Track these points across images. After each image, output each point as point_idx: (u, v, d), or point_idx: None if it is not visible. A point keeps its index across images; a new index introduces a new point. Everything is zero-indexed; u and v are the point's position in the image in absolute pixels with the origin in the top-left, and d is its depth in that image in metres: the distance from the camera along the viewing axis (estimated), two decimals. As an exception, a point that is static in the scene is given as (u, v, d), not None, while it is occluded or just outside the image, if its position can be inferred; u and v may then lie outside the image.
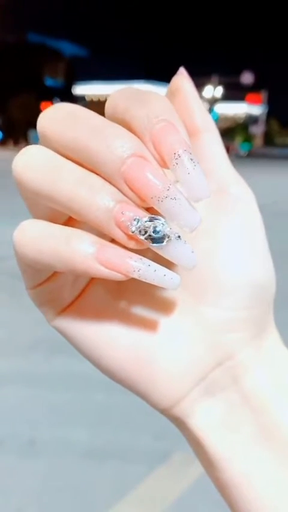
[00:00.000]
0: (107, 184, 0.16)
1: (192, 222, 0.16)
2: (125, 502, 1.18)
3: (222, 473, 0.18)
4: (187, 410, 0.19)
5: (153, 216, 0.15)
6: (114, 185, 0.16)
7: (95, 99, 53.53)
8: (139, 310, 0.19)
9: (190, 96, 0.19)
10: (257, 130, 54.90)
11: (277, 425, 0.18)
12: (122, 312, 0.19)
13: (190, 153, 0.15)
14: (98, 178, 0.16)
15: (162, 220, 0.15)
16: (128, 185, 0.15)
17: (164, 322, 0.19)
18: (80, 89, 55.31)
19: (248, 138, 42.22)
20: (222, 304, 0.18)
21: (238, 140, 38.21)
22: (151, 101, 0.16)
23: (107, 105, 0.18)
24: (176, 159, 0.15)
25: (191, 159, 0.15)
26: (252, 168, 15.14)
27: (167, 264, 0.16)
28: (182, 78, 0.20)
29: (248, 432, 0.18)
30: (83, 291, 0.20)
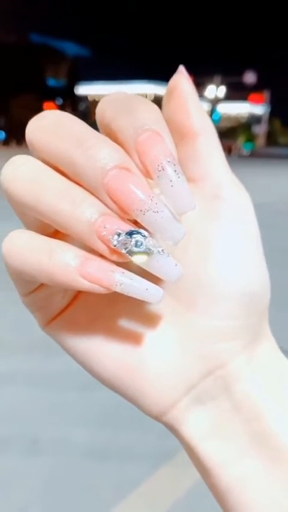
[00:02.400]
0: (90, 196, 0.15)
1: (176, 235, 0.15)
2: (128, 501, 1.18)
3: (216, 479, 0.18)
4: (178, 418, 0.19)
5: (135, 229, 0.15)
6: (97, 197, 0.15)
7: (97, 99, 53.47)
8: (129, 320, 0.19)
9: (188, 96, 0.18)
10: (260, 130, 54.81)
11: (269, 434, 0.18)
12: (112, 321, 0.19)
13: (174, 165, 0.15)
14: (81, 191, 0.15)
15: (145, 233, 0.15)
16: (110, 197, 0.15)
17: (154, 331, 0.19)
18: (82, 89, 55.38)
19: (251, 138, 42.14)
20: (213, 313, 0.18)
21: (241, 140, 38.10)
22: (138, 110, 0.16)
23: (96, 111, 0.17)
24: (160, 171, 0.15)
25: (175, 171, 0.15)
26: (255, 168, 15.11)
27: (153, 276, 0.16)
28: (181, 77, 0.19)
29: (240, 440, 0.18)
30: (74, 299, 0.19)
